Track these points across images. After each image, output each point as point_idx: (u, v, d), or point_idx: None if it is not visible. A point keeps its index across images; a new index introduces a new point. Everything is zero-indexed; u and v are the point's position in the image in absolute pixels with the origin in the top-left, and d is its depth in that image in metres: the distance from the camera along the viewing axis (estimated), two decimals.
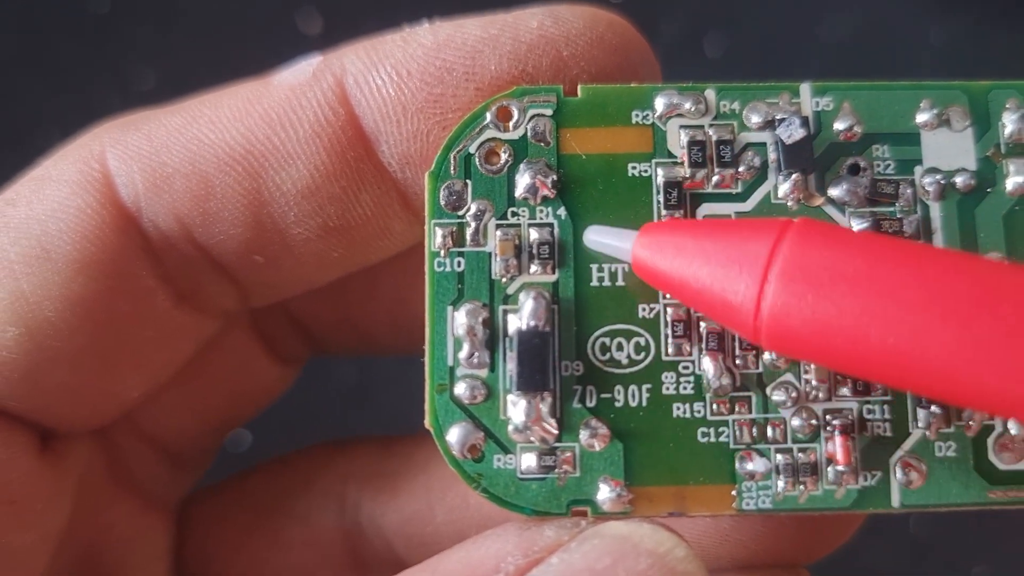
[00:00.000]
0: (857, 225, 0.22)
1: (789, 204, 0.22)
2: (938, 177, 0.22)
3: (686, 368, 0.22)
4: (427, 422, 0.22)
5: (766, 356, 0.21)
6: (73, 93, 0.45)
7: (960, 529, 0.44)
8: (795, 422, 0.21)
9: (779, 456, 0.21)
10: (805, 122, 0.22)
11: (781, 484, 0.21)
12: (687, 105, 0.22)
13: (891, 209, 0.22)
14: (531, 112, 0.22)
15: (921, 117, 0.22)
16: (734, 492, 0.21)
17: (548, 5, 0.23)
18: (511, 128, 0.22)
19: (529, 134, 0.22)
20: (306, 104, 0.23)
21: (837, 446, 0.21)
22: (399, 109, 0.23)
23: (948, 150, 0.22)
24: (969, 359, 0.18)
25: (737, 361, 0.21)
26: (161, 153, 0.24)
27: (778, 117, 0.22)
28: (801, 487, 0.21)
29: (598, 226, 0.22)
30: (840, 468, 0.21)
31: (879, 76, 0.22)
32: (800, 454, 0.21)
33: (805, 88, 0.22)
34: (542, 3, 0.23)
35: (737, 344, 0.21)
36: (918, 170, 0.22)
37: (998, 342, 0.17)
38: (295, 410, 0.33)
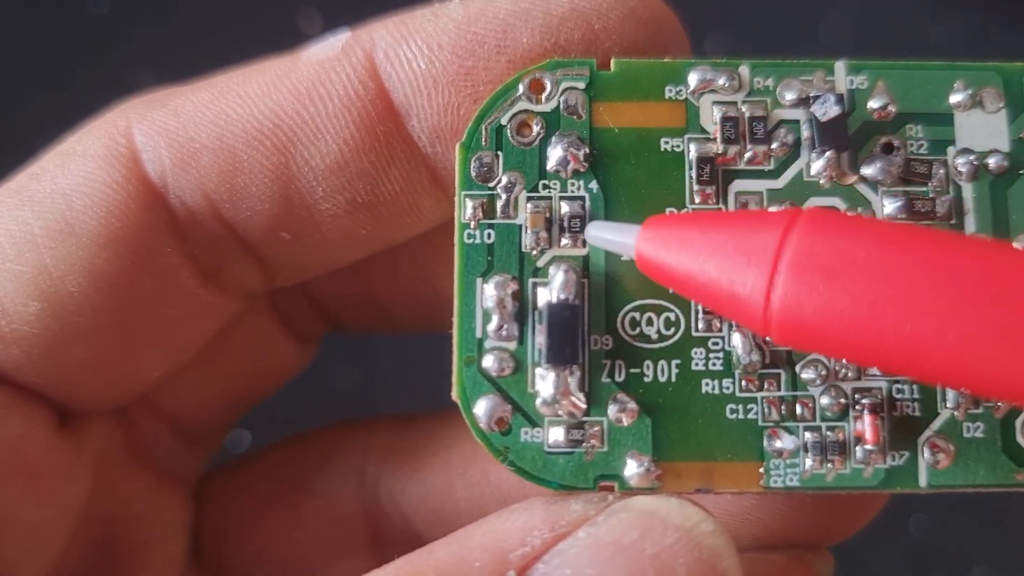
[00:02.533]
0: (890, 205, 0.22)
1: (822, 182, 0.22)
2: (971, 158, 0.22)
3: (716, 344, 0.21)
4: (454, 394, 0.21)
5: None
6: (72, 93, 0.43)
7: (960, 529, 0.44)
8: (824, 400, 0.21)
9: (807, 434, 0.21)
10: (840, 100, 0.22)
11: (809, 462, 0.21)
12: (720, 81, 0.22)
13: (924, 189, 0.22)
14: (564, 85, 0.22)
15: (955, 98, 0.22)
16: (762, 469, 0.21)
17: None
18: (543, 100, 0.22)
19: (561, 107, 0.22)
20: (335, 78, 0.23)
21: (866, 425, 0.21)
22: (430, 82, 0.23)
23: (981, 131, 0.22)
24: (988, 346, 0.17)
25: (767, 338, 0.21)
26: (188, 128, 0.24)
27: (812, 94, 0.22)
28: (829, 465, 0.21)
29: (598, 221, 0.22)
30: (868, 447, 0.21)
31: None
32: (828, 432, 0.21)
33: (840, 66, 0.22)
34: None
35: None
36: (951, 151, 0.22)
37: (1018, 328, 0.17)
38: (297, 410, 0.32)
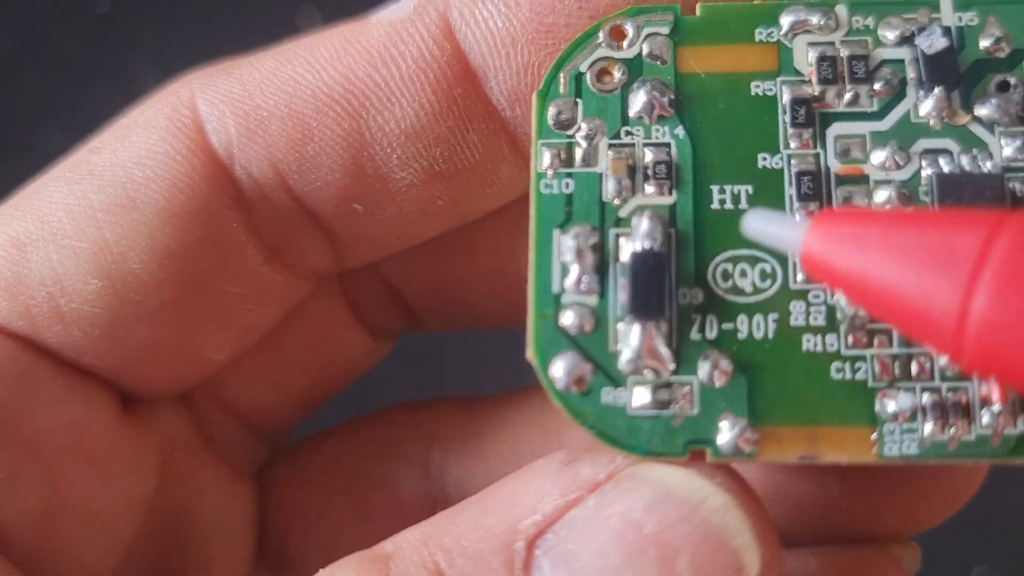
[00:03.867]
0: (1008, 146, 0.20)
1: (932, 123, 0.20)
2: None
3: (816, 297, 0.19)
4: (529, 353, 0.20)
5: None
6: (74, 92, 0.45)
7: (961, 529, 0.41)
8: (943, 358, 0.19)
9: (925, 395, 0.19)
10: (947, 32, 0.20)
11: (929, 427, 0.19)
12: (815, 20, 0.20)
13: None
14: (646, 31, 0.21)
15: None
16: (874, 435, 0.19)
17: None
18: (625, 47, 0.21)
19: (644, 53, 0.21)
20: (408, 40, 0.22)
21: (992, 383, 0.19)
22: (508, 41, 0.22)
23: None
24: None
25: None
26: (255, 96, 0.23)
27: (917, 29, 0.20)
28: (952, 430, 0.19)
29: (760, 210, 0.19)
30: (996, 409, 0.19)
31: None
32: (949, 393, 0.19)
33: (946, 2, 0.20)
34: None
35: None
36: None
37: None
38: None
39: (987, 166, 0.20)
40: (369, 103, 0.22)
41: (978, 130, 0.20)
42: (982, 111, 0.20)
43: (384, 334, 0.29)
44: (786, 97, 0.20)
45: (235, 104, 0.23)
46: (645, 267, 0.19)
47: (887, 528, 0.25)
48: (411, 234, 0.24)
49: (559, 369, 0.19)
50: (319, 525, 0.28)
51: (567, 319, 0.20)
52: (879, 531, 0.25)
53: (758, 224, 0.19)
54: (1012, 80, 0.20)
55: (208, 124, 0.23)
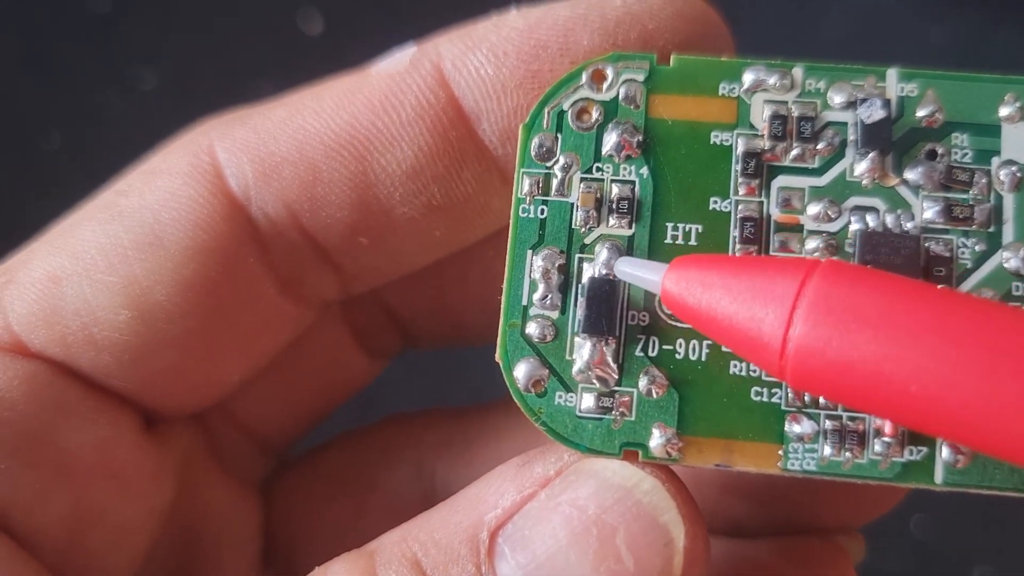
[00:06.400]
0: (929, 209, 0.22)
1: (864, 183, 0.23)
2: (1014, 169, 0.22)
3: None
4: (498, 356, 0.23)
5: None
6: (73, 93, 0.46)
7: (962, 530, 0.43)
8: None
9: (828, 422, 0.22)
10: (886, 104, 0.22)
11: (828, 449, 0.22)
12: (772, 80, 0.23)
13: (964, 196, 0.22)
14: (624, 76, 0.24)
15: (1005, 110, 0.22)
16: (780, 452, 0.22)
17: None
18: (604, 90, 0.24)
19: (620, 96, 0.23)
20: (407, 89, 0.25)
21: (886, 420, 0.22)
22: (498, 87, 0.24)
23: None
24: (992, 411, 0.18)
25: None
26: (268, 143, 0.25)
27: (860, 98, 0.23)
28: (847, 454, 0.22)
29: (628, 257, 0.23)
30: (887, 440, 0.22)
31: None
32: (849, 422, 0.22)
33: (892, 73, 0.23)
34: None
35: None
36: (995, 161, 0.22)
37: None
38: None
39: (908, 225, 0.22)
40: (373, 147, 0.25)
41: (904, 192, 0.23)
42: (910, 175, 0.22)
43: (381, 355, 0.32)
44: (740, 148, 0.23)
45: (251, 151, 0.25)
46: (600, 292, 0.23)
47: (835, 520, 0.28)
48: (410, 262, 0.27)
49: (521, 372, 0.23)
50: (322, 529, 0.31)
51: (532, 329, 0.23)
52: (828, 523, 0.28)
53: (627, 268, 0.22)
54: (940, 150, 0.23)
55: (227, 169, 0.25)
